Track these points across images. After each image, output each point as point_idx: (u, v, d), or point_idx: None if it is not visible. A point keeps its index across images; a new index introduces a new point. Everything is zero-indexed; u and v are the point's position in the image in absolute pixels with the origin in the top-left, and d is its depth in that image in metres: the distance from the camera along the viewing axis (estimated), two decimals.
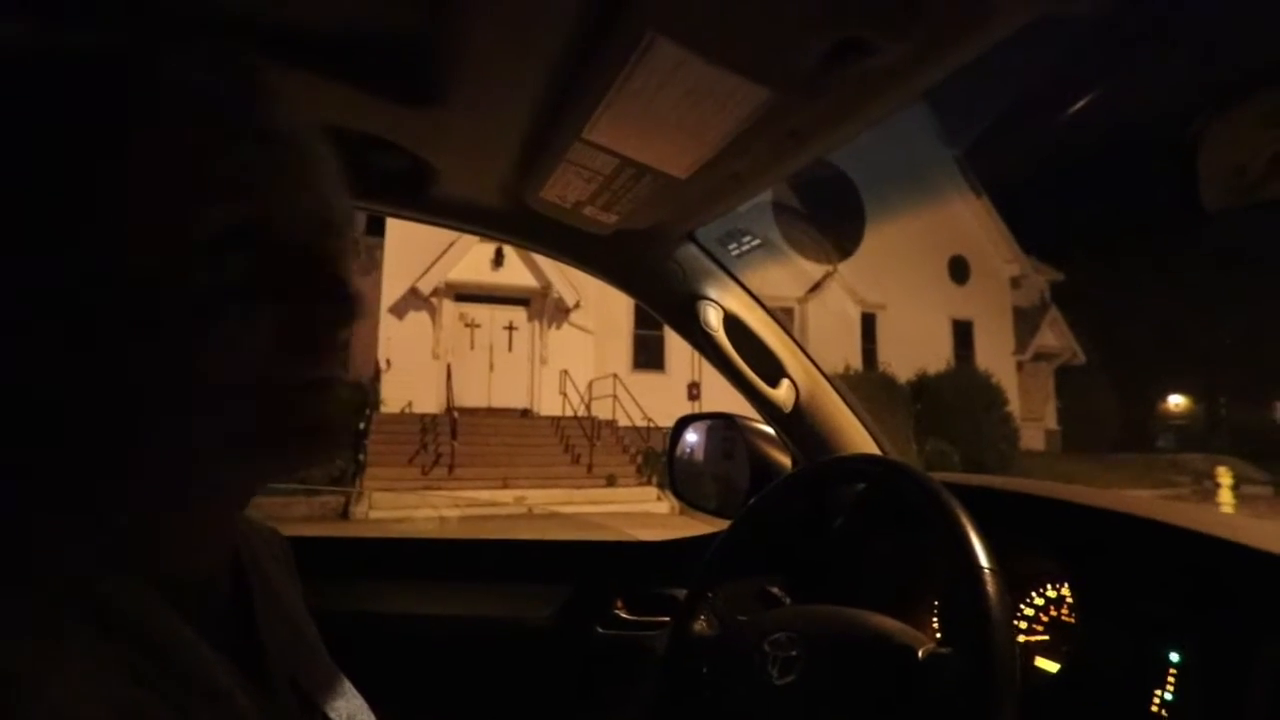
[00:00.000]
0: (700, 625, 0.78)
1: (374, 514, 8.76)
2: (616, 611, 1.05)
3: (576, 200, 0.74)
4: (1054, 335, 18.39)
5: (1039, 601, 0.78)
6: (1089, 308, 20.24)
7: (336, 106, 0.62)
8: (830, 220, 16.25)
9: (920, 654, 0.57)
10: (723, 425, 1.15)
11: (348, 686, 0.51)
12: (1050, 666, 0.72)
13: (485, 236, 0.93)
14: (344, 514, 8.69)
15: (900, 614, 0.66)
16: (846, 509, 0.97)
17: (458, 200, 0.81)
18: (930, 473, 0.71)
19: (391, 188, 0.79)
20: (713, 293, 0.93)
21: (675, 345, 13.50)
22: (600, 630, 1.05)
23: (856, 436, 0.98)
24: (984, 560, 0.53)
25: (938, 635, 0.83)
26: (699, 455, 1.19)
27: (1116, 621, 0.66)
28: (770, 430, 1.04)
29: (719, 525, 1.06)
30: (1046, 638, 0.76)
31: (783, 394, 0.96)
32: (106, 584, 0.31)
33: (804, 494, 0.81)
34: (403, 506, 8.93)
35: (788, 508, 0.80)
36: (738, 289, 0.95)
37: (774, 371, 0.97)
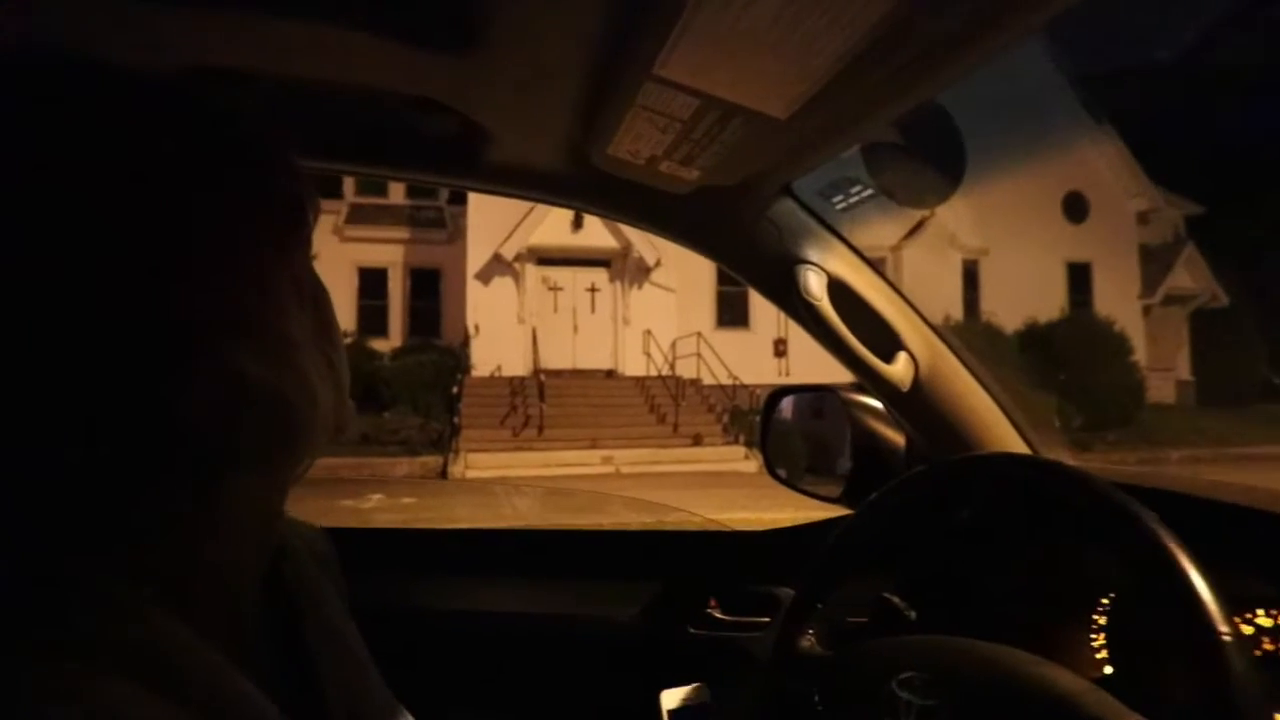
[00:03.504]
0: (808, 640, 0.68)
1: (470, 473, 9.21)
2: (710, 610, 0.97)
3: (651, 155, 0.62)
4: (1189, 275, 16.45)
5: (1246, 630, 0.62)
6: (1234, 243, 17.80)
7: (375, 62, 0.56)
8: (924, 158, 15.08)
9: None
10: (821, 398, 1.03)
11: (404, 713, 0.46)
12: None
13: (550, 203, 0.83)
14: (443, 473, 9.19)
15: (1045, 645, 0.54)
16: (976, 504, 0.82)
17: (516, 164, 0.72)
18: (1091, 468, 0.57)
19: (443, 154, 0.70)
20: (814, 255, 0.79)
21: (759, 302, 13.04)
22: (692, 631, 0.96)
23: (993, 423, 0.82)
24: (1223, 625, 0.39)
25: (1107, 673, 0.68)
26: (796, 432, 1.09)
27: None
28: (876, 404, 0.90)
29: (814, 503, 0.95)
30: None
31: (900, 370, 0.82)
32: (125, 602, 0.28)
33: (944, 494, 0.68)
34: (496, 467, 9.34)
35: (919, 509, 0.68)
36: (844, 249, 0.81)
37: (889, 344, 0.82)
